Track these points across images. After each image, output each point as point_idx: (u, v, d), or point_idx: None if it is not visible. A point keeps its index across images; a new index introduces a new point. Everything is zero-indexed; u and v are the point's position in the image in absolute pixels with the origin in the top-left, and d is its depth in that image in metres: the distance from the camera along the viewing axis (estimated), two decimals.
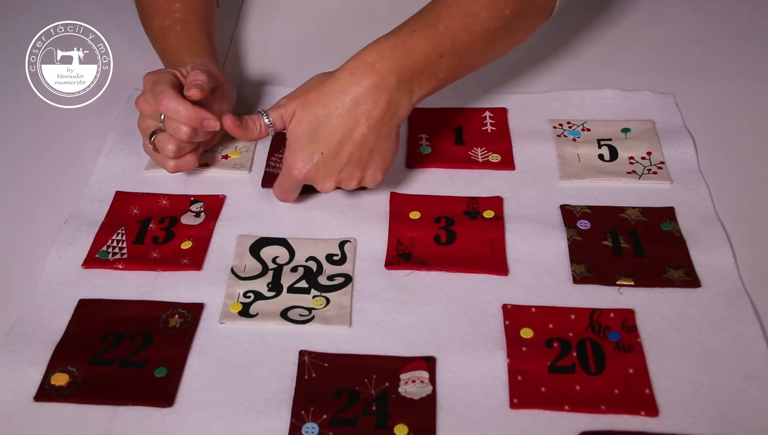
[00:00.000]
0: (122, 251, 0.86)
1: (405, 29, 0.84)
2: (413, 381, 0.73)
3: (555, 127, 1.00)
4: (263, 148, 0.99)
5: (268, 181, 0.94)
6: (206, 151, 0.98)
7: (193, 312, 0.80)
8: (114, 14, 1.15)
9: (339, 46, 1.14)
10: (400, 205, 0.91)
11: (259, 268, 0.84)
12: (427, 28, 0.83)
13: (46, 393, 0.72)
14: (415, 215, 0.89)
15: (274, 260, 0.85)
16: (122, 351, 0.76)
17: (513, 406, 0.71)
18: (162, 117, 0.88)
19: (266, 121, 0.85)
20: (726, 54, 1.12)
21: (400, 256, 0.85)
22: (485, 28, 0.84)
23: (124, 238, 0.87)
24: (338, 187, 0.87)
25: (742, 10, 1.21)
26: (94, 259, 0.85)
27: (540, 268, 0.84)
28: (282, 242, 0.87)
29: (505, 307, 0.80)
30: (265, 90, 1.09)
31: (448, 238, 0.87)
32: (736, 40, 1.15)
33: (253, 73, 1.13)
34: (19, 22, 1.22)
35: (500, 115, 1.02)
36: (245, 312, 0.80)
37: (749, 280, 0.81)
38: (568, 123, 1.00)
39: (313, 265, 0.84)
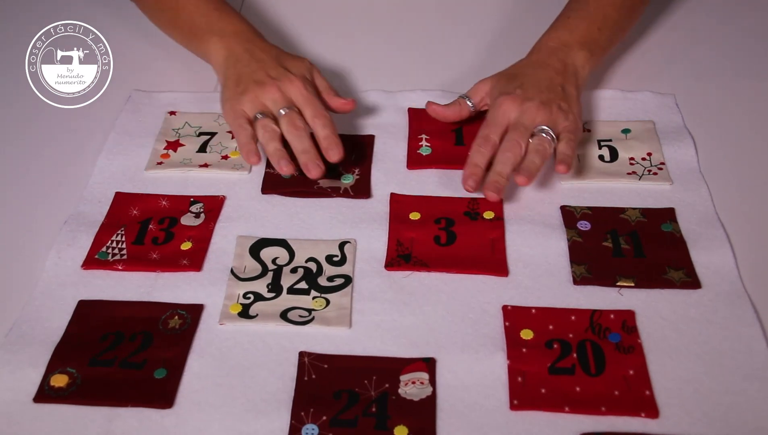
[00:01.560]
0: (122, 252, 0.86)
1: (560, 18, 1.02)
2: (413, 382, 0.73)
3: None
4: (263, 150, 0.99)
5: (268, 184, 0.94)
6: (206, 152, 0.98)
7: (192, 313, 0.80)
8: (114, 14, 1.15)
9: (339, 46, 1.16)
10: (399, 205, 0.91)
11: (258, 269, 0.84)
12: (580, 12, 1.00)
13: (45, 394, 0.72)
14: (415, 216, 0.89)
15: (273, 261, 0.85)
16: (122, 352, 0.76)
17: (513, 407, 0.71)
18: (283, 111, 0.91)
19: (468, 102, 0.97)
20: (726, 54, 1.12)
21: (400, 257, 0.85)
22: (625, 4, 1.02)
23: (123, 238, 0.87)
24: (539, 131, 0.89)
25: (741, 10, 1.20)
26: (93, 260, 0.85)
27: (540, 269, 0.83)
28: (282, 243, 0.87)
29: (505, 308, 0.79)
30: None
31: (448, 239, 0.87)
32: (736, 40, 1.15)
33: None
34: (19, 22, 1.22)
35: None
36: (245, 313, 0.79)
37: (749, 281, 0.81)
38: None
39: (313, 266, 0.84)
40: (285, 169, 0.88)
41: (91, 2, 1.22)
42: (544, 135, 0.88)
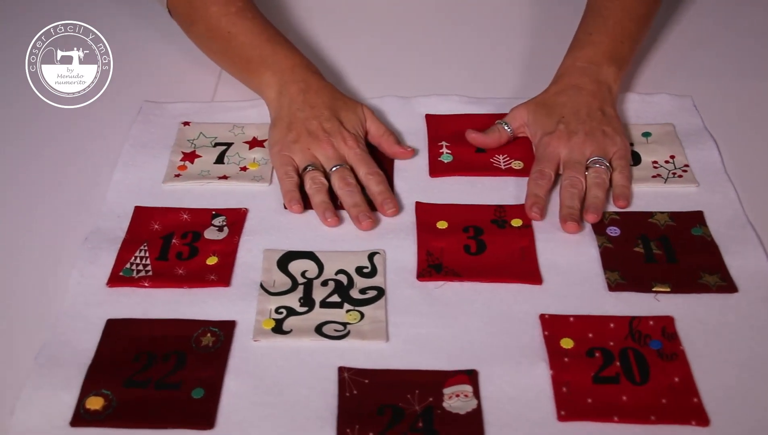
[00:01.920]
0: (146, 268, 0.84)
1: (582, 35, 1.02)
2: (457, 395, 0.72)
3: None
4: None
5: None
6: (224, 163, 0.96)
7: (224, 330, 0.78)
8: (114, 14, 1.14)
9: (339, 48, 1.15)
10: (426, 214, 0.90)
11: (288, 282, 0.82)
12: (600, 28, 1.01)
13: (81, 418, 0.70)
14: (442, 225, 0.88)
15: (303, 274, 0.83)
16: (156, 372, 0.74)
17: (561, 418, 0.70)
18: (335, 167, 0.92)
19: (506, 128, 0.96)
20: (740, 54, 1.13)
21: (431, 267, 0.83)
22: (640, 14, 1.03)
23: (147, 254, 0.85)
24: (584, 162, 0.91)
25: (752, 11, 1.21)
26: (118, 278, 0.83)
27: (573, 277, 0.83)
28: (309, 256, 0.85)
29: (542, 317, 0.79)
30: (253, 106, 1.06)
31: (478, 248, 0.86)
32: (749, 40, 1.15)
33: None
34: (19, 22, 1.20)
35: None
36: (278, 328, 0.78)
37: None
38: None
39: (343, 278, 0.83)
40: (330, 220, 0.88)
41: (91, 2, 1.20)
42: (598, 165, 0.90)
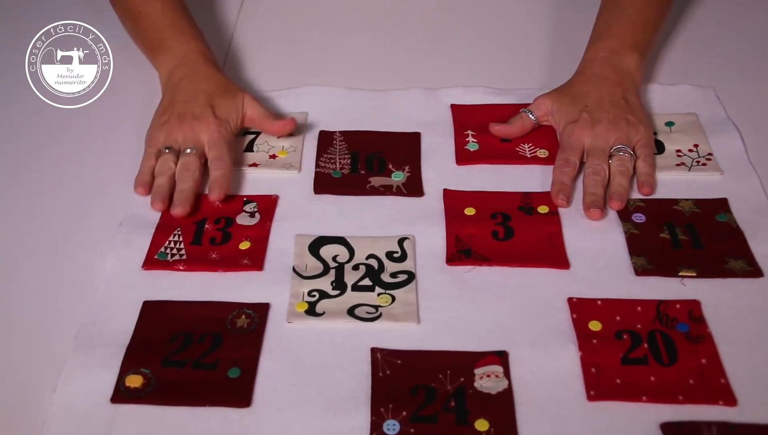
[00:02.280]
0: (180, 252, 0.86)
1: (602, 26, 1.03)
2: (488, 375, 0.74)
3: None
4: (311, 147, 0.99)
5: (320, 184, 0.94)
6: (253, 151, 0.98)
7: (259, 312, 0.80)
8: (114, 14, 1.15)
9: (339, 48, 1.16)
10: (454, 201, 0.91)
11: (320, 267, 0.84)
12: (621, 17, 1.02)
13: (122, 395, 0.72)
14: (470, 211, 0.90)
15: (334, 259, 0.85)
16: (193, 352, 0.76)
17: (590, 398, 0.72)
18: (188, 150, 0.93)
19: (531, 116, 0.98)
20: (763, 46, 1.13)
21: (460, 253, 0.85)
22: (660, 4, 1.04)
23: (180, 239, 0.87)
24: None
25: None
26: (153, 261, 0.85)
27: (600, 262, 0.84)
28: (340, 241, 0.87)
29: (570, 300, 0.80)
30: (266, 92, 1.08)
31: (506, 234, 0.87)
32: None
33: (252, 74, 1.13)
34: (19, 22, 1.21)
35: None
36: (312, 311, 0.80)
37: None
38: None
39: (374, 262, 0.84)
40: (156, 205, 0.89)
41: (91, 2, 1.21)
42: (622, 153, 0.91)
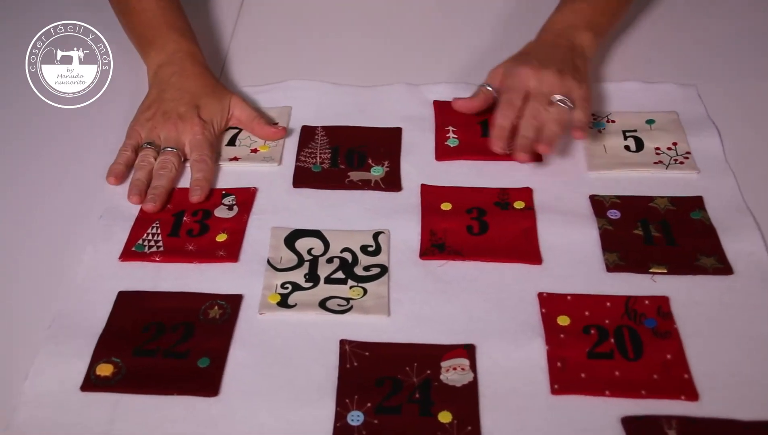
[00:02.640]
0: (158, 244, 0.87)
1: (566, 2, 1.05)
2: (454, 368, 0.74)
3: None
4: (293, 141, 1.00)
5: (299, 178, 0.94)
6: (236, 145, 0.99)
7: (232, 303, 0.81)
8: (114, 14, 1.16)
9: (338, 48, 1.17)
10: (431, 196, 0.92)
11: (295, 259, 0.85)
12: None
13: (92, 383, 0.73)
14: (446, 206, 0.90)
15: (309, 252, 0.86)
16: (164, 342, 0.77)
17: (554, 392, 0.72)
18: (169, 148, 0.95)
19: (488, 88, 0.99)
20: (745, 45, 1.14)
21: (434, 247, 0.86)
22: None
23: (159, 231, 0.88)
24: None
25: (761, 4, 1.22)
26: (130, 253, 0.86)
27: (573, 257, 0.85)
28: (316, 234, 0.87)
29: (540, 295, 0.81)
30: (252, 86, 1.09)
31: (481, 229, 0.88)
32: (754, 31, 1.16)
33: (252, 73, 1.13)
34: (19, 22, 1.22)
35: None
36: (284, 303, 0.80)
37: None
38: (593, 115, 1.01)
39: (348, 256, 0.85)
40: (132, 198, 0.91)
41: (91, 2, 1.21)
42: (561, 105, 0.93)
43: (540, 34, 1.03)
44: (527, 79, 0.94)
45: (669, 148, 0.96)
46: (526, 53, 1.00)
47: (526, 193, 0.91)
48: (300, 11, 1.24)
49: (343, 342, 0.77)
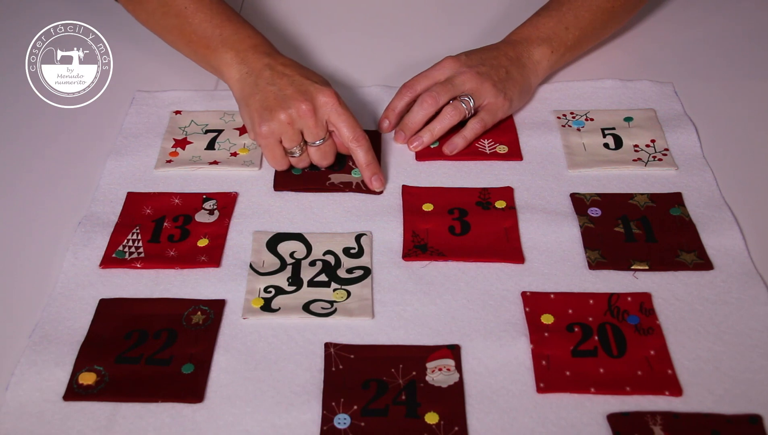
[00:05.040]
0: (138, 250, 0.86)
1: (533, 16, 1.05)
2: (440, 369, 0.74)
3: (559, 118, 1.02)
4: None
5: (280, 181, 0.94)
6: (215, 149, 0.99)
7: (215, 308, 0.80)
8: (114, 14, 1.15)
9: (338, 47, 1.16)
10: (412, 197, 0.92)
11: (277, 263, 0.85)
12: (551, 11, 1.04)
13: (74, 392, 0.73)
14: (428, 207, 0.90)
15: (291, 255, 0.85)
16: (147, 349, 0.76)
17: (540, 390, 0.72)
18: (318, 142, 0.91)
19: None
20: (721, 43, 1.15)
21: (416, 248, 0.86)
22: (603, 7, 1.04)
23: (139, 237, 0.87)
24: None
25: (732, 2, 1.23)
26: (111, 259, 0.85)
27: (555, 256, 0.85)
28: (298, 237, 0.87)
29: (524, 294, 0.81)
30: None
31: (463, 229, 0.88)
32: (730, 29, 1.17)
33: None
34: (19, 22, 1.21)
35: None
36: (267, 307, 0.80)
37: (759, 261, 0.83)
38: (572, 113, 1.02)
39: (331, 258, 0.85)
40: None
41: (91, 2, 1.21)
42: (463, 105, 0.94)
43: (496, 43, 1.03)
44: (445, 69, 0.96)
45: (647, 146, 0.97)
46: (470, 51, 1.00)
47: (507, 193, 0.92)
48: (299, 12, 1.24)
49: (327, 345, 0.77)
